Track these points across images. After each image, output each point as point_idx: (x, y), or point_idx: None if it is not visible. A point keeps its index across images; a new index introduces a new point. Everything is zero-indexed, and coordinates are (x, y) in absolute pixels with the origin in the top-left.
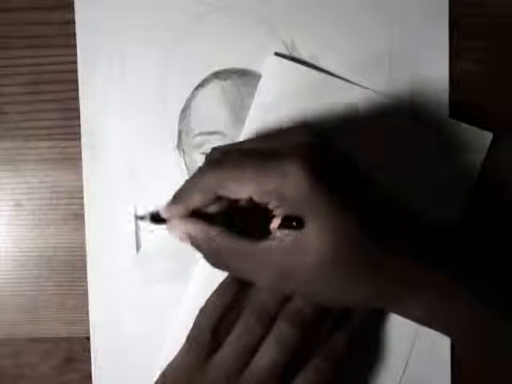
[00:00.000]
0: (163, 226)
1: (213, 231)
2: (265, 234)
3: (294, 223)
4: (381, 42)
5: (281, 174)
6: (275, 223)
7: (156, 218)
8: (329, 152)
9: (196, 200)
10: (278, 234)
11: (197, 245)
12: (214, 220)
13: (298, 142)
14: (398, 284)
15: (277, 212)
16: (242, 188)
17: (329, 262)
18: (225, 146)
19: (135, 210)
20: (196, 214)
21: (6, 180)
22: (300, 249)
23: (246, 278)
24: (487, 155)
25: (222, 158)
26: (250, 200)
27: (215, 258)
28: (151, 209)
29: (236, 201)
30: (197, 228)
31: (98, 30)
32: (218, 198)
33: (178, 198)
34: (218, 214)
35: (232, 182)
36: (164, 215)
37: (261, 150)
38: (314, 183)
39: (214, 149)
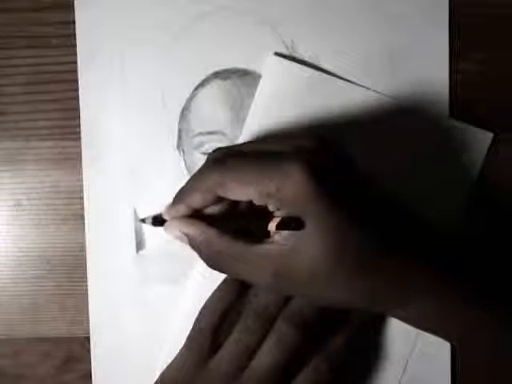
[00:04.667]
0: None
1: (211, 233)
2: (263, 235)
3: (293, 224)
4: (381, 42)
5: (281, 176)
6: (273, 224)
7: (157, 221)
8: (329, 154)
9: (196, 200)
10: (277, 236)
11: (195, 246)
12: (213, 222)
13: (298, 144)
14: (397, 285)
15: (276, 214)
16: (242, 189)
17: (328, 263)
18: (227, 147)
19: (135, 212)
20: (195, 216)
21: (6, 180)
22: (299, 250)
23: (243, 280)
24: (487, 155)
25: (224, 159)
26: (250, 202)
27: (213, 260)
28: (153, 212)
29: (236, 203)
30: (195, 229)
31: (98, 30)
32: (219, 200)
33: (178, 197)
34: (218, 215)
35: (232, 182)
36: (165, 217)
37: (262, 152)
38: (314, 185)
39: (217, 149)
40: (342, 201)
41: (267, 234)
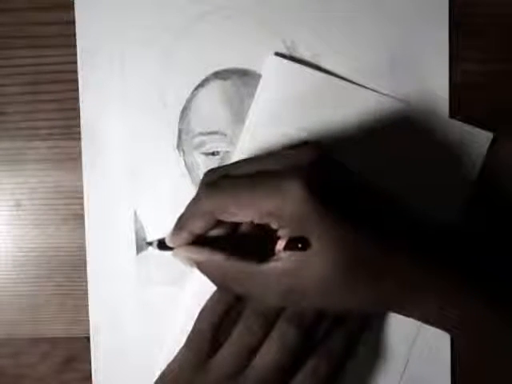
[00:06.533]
0: (170, 252)
1: (217, 257)
2: (269, 254)
3: (300, 245)
4: (381, 42)
5: (279, 194)
6: (280, 245)
7: (163, 245)
8: (327, 167)
9: (197, 226)
10: (282, 253)
11: (203, 270)
12: (218, 244)
13: (295, 160)
14: (400, 288)
15: (280, 232)
16: (241, 211)
17: (334, 277)
18: (221, 167)
19: (135, 212)
20: (200, 240)
21: (6, 180)
22: (305, 268)
23: (252, 299)
24: (487, 155)
25: (219, 182)
26: (252, 222)
27: (222, 282)
28: (158, 237)
29: (239, 223)
30: (201, 255)
31: (98, 30)
32: (220, 222)
33: (179, 224)
34: (222, 237)
35: (230, 205)
36: (170, 244)
37: (257, 171)
38: (313, 201)
39: (210, 171)
40: (343, 213)
41: (273, 252)
